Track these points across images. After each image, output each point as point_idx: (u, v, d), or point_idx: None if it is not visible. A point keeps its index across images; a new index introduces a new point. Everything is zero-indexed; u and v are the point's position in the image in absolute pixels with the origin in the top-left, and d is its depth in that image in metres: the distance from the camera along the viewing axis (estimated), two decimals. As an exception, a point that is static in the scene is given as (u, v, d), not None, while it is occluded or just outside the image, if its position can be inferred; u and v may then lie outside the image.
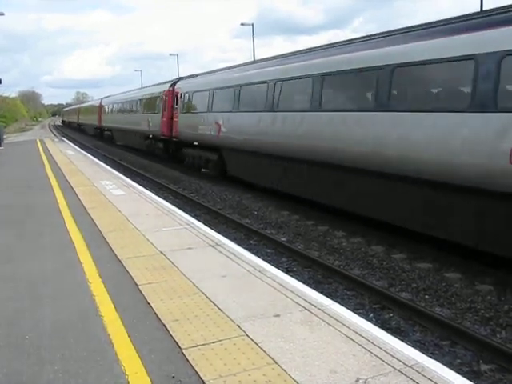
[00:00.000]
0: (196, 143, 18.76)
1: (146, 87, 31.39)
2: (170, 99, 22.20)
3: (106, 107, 41.28)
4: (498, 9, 7.98)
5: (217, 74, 19.11)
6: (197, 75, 22.05)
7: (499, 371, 5.15)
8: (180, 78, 23.45)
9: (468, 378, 3.66)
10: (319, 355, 3.75)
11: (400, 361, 3.64)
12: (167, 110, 22.29)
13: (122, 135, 35.08)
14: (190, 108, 20.04)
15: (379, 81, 9.26)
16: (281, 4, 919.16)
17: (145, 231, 7.76)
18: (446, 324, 6.05)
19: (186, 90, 20.57)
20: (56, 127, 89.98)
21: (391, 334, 4.47)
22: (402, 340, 4.32)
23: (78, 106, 73.42)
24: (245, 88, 15.02)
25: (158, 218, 8.78)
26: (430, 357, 3.98)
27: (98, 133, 45.77)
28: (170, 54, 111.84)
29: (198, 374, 3.53)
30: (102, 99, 45.80)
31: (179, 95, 21.13)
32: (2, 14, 33.88)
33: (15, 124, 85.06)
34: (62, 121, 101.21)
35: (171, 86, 22.75)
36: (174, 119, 21.23)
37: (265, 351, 3.83)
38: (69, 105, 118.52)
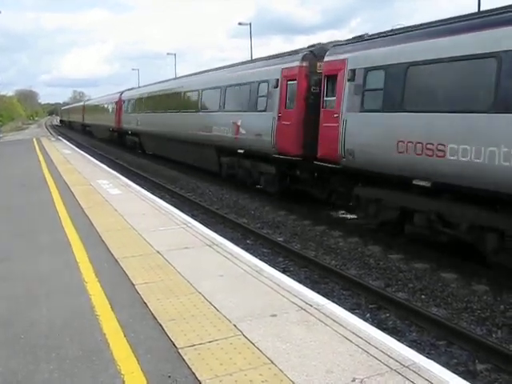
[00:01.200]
0: (423, 183, 8.38)
1: (226, 67, 18.54)
2: (305, 85, 12.28)
3: (132, 103, 30.34)
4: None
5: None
6: (378, 35, 10.27)
7: (495, 371, 5.17)
8: (322, 45, 12.52)
9: (464, 378, 3.66)
10: (316, 355, 3.74)
11: (396, 361, 3.64)
12: (296, 107, 12.42)
13: (161, 144, 24.18)
14: (400, 101, 8.92)
15: None
16: (278, 4, 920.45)
17: (141, 231, 7.74)
18: (442, 324, 6.07)
19: (380, 63, 9.53)
20: (53, 126, 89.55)
21: (388, 333, 4.47)
22: (398, 340, 4.33)
23: (82, 102, 61.12)
24: None
25: (155, 218, 8.76)
26: (427, 357, 4.00)
27: (116, 137, 34.75)
28: (168, 54, 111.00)
29: (194, 373, 3.53)
30: (122, 92, 34.56)
31: (345, 75, 10.44)
32: None
33: (12, 123, 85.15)
34: (61, 120, 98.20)
35: (304, 59, 12.32)
36: (323, 124, 11.15)
37: (261, 351, 3.82)
38: (66, 103, 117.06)
